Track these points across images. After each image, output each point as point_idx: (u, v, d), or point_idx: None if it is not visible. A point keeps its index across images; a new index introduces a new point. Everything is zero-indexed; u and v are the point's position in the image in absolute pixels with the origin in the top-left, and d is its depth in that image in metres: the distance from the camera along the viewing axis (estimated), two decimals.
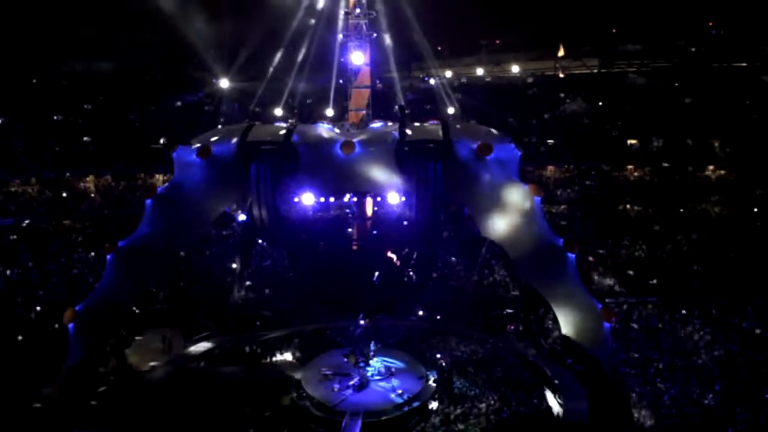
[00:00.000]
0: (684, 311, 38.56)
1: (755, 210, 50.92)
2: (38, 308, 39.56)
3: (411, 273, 33.66)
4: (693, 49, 63.48)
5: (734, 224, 49.95)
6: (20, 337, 35.23)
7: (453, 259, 45.68)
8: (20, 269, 44.90)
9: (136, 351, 34.11)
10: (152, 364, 33.21)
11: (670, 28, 62.90)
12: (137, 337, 34.97)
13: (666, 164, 54.54)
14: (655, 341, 35.62)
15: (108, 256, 29.64)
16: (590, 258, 45.82)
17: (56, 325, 30.12)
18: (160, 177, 54.41)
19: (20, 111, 56.24)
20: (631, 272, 44.75)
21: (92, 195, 54.58)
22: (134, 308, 32.76)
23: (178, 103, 61.01)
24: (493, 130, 32.19)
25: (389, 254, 33.45)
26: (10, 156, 53.02)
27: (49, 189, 53.44)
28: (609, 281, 43.63)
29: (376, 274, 33.04)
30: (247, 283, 41.54)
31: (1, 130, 55.21)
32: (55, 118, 57.74)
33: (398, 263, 33.22)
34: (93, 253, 46.82)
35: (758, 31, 60.53)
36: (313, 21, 41.44)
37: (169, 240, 30.51)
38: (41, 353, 31.77)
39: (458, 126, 31.65)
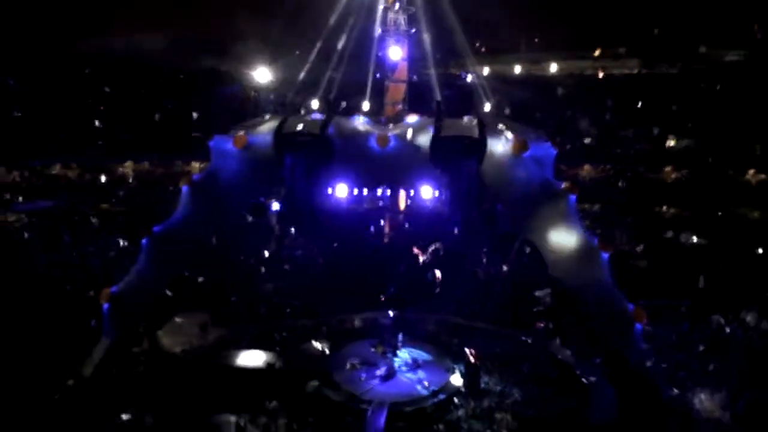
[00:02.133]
0: (718, 316, 37.95)
1: None
2: (75, 288, 40.39)
3: (437, 270, 33.65)
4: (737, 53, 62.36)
5: None
6: (58, 317, 35.93)
7: (484, 254, 45.51)
8: (60, 251, 45.91)
9: (169, 333, 34.75)
10: (183, 347, 33.71)
11: (712, 29, 61.85)
12: (170, 320, 35.71)
13: (705, 166, 53.71)
14: (687, 345, 35.15)
15: (143, 241, 30.26)
16: (624, 258, 45.33)
17: (92, 306, 30.67)
18: (196, 165, 55.13)
19: (63, 97, 57.35)
20: (664, 274, 44.16)
21: (130, 180, 55.56)
22: (167, 292, 33.38)
23: (219, 93, 61.65)
24: (529, 128, 32.07)
25: (415, 250, 33.52)
26: (53, 140, 54.15)
27: (89, 173, 54.47)
28: (643, 282, 43.09)
29: (401, 266, 33.20)
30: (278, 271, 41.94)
31: (44, 116, 56.36)
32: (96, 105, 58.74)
33: (423, 259, 33.26)
34: (129, 238, 47.62)
35: None
36: (352, 15, 41.61)
37: (203, 227, 31.02)
38: (77, 333, 32.47)
39: (494, 123, 31.56)
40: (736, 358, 33.66)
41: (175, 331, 34.82)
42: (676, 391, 30.65)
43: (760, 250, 45.97)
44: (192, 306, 38.21)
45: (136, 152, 55.01)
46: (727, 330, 36.83)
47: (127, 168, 55.67)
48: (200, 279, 39.35)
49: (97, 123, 56.52)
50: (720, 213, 51.39)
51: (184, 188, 30.53)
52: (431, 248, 32.74)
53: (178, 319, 35.92)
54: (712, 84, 58.91)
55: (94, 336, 29.92)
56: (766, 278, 42.42)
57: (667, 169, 54.81)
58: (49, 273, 42.88)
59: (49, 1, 58.96)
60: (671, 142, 56.43)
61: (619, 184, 53.55)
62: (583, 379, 31.33)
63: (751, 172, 53.85)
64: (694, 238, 48.51)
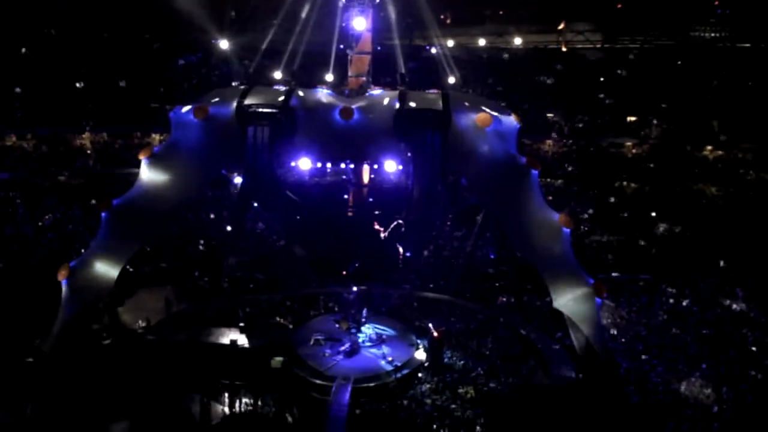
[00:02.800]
0: (675, 290, 38.80)
1: (750, 192, 51.04)
2: (32, 263, 39.58)
3: (398, 246, 33.66)
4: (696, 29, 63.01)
5: (729, 205, 50.09)
6: (14, 293, 35.20)
7: (448, 229, 45.72)
8: (15, 224, 44.84)
9: (129, 309, 34.31)
10: (145, 323, 33.30)
11: (675, 6, 62.35)
12: (130, 296, 35.23)
13: (665, 142, 54.48)
14: (645, 318, 35.88)
15: (102, 214, 29.63)
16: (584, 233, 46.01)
17: (50, 281, 30.04)
18: (156, 137, 54.06)
19: (18, 68, 55.64)
20: (624, 249, 44.92)
21: (88, 152, 54.26)
22: (128, 267, 32.84)
23: (178, 63, 60.40)
24: (493, 102, 32.01)
25: (376, 226, 33.43)
26: (7, 111, 52.60)
27: (45, 144, 53.10)
28: (602, 257, 43.81)
29: (364, 240, 33.14)
30: (241, 245, 41.59)
31: None
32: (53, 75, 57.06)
33: (384, 235, 33.20)
34: (87, 210, 46.68)
35: (764, 11, 60.05)
36: None
37: (163, 200, 30.41)
38: (35, 309, 31.84)
39: (458, 96, 31.43)
40: (693, 331, 34.52)
41: (136, 307, 34.37)
42: (634, 363, 31.40)
43: (717, 224, 46.91)
44: (154, 281, 37.80)
45: (95, 123, 53.68)
46: (684, 303, 37.71)
47: (85, 139, 54.34)
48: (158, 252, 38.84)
49: (54, 92, 54.91)
50: (678, 188, 52.28)
51: (144, 160, 29.90)
52: (393, 225, 32.66)
53: (139, 295, 35.46)
54: (673, 59, 59.56)
55: (53, 312, 29.27)
56: (722, 252, 43.48)
57: (628, 144, 55.45)
58: (6, 247, 41.91)
59: None
60: (632, 117, 57.04)
61: (580, 158, 54.08)
62: (545, 353, 31.84)
63: (709, 148, 54.80)
64: (653, 213, 49.30)
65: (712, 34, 63.22)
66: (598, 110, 57.36)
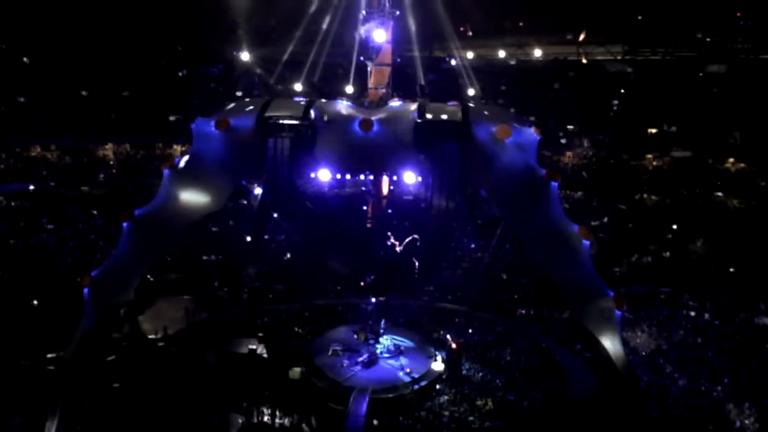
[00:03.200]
0: (696, 303, 38.41)
1: None
2: (54, 272, 40.04)
3: (414, 260, 33.64)
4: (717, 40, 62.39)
5: (751, 217, 49.53)
6: (36, 301, 35.62)
7: (467, 240, 45.64)
8: (38, 234, 45.44)
9: (149, 319, 34.52)
10: (164, 332, 33.52)
11: (696, 17, 61.86)
12: (150, 305, 35.46)
13: (685, 155, 54.06)
14: (666, 332, 35.52)
15: (124, 224, 29.92)
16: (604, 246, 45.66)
17: (72, 290, 30.38)
18: (178, 148, 54.63)
19: (43, 80, 56.55)
20: (645, 261, 44.56)
21: (111, 163, 54.95)
22: (149, 276, 33.12)
23: (199, 75, 61.06)
24: (513, 114, 31.99)
25: (392, 240, 33.45)
26: (32, 122, 53.44)
27: (68, 155, 53.85)
28: (623, 269, 43.47)
29: (382, 253, 33.13)
30: (260, 256, 41.79)
31: (24, 97, 55.55)
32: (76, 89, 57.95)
33: (399, 249, 33.20)
34: (109, 221, 47.18)
35: None
36: None
37: (184, 210, 30.70)
38: (56, 317, 32.19)
39: (478, 108, 31.45)
40: (715, 345, 34.11)
41: (156, 317, 34.60)
42: (655, 377, 31.08)
43: (739, 237, 46.41)
44: (174, 291, 38.05)
45: (117, 134, 54.43)
46: (706, 316, 37.30)
47: (108, 150, 55.12)
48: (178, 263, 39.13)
49: (77, 104, 55.82)
50: (700, 201, 51.86)
51: (166, 171, 30.21)
52: (407, 240, 32.67)
53: (159, 304, 35.69)
54: (695, 71, 59.18)
55: (74, 321, 29.57)
56: (745, 265, 42.96)
57: (649, 156, 55.14)
58: (29, 256, 42.45)
59: None
60: (653, 129, 56.76)
61: (601, 170, 53.90)
62: (564, 366, 31.60)
63: (731, 160, 54.32)
64: (675, 225, 48.90)
65: (737, 46, 62.58)
66: (618, 122, 57.03)
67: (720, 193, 52.71)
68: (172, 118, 54.61)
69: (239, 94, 55.21)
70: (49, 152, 53.67)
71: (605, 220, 49.25)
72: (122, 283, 30.37)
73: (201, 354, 31.39)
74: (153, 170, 50.33)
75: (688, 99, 56.25)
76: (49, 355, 29.69)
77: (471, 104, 31.37)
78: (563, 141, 56.47)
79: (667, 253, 45.91)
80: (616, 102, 58.67)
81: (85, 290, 29.24)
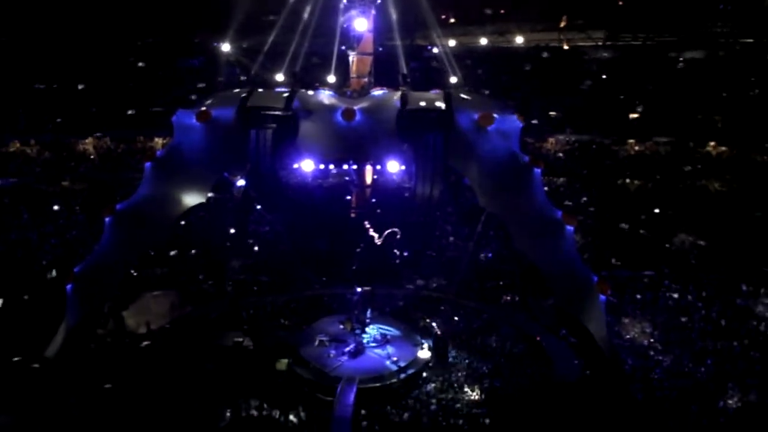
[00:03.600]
0: (679, 286, 38.76)
1: (755, 187, 50.92)
2: (36, 269, 39.69)
3: (395, 251, 33.64)
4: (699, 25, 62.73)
5: (733, 200, 50.01)
6: (19, 298, 35.30)
7: (451, 228, 45.73)
8: (19, 229, 44.99)
9: (134, 313, 34.35)
10: (149, 327, 33.36)
11: (677, 2, 62.16)
12: (135, 300, 35.28)
13: (667, 139, 54.45)
14: (650, 315, 35.84)
15: (106, 219, 29.67)
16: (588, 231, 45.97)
17: (54, 286, 30.16)
18: (159, 140, 54.23)
19: (20, 73, 55.88)
20: (627, 246, 44.87)
21: (91, 157, 54.46)
22: (132, 271, 32.91)
23: (180, 68, 60.58)
24: (495, 101, 32.00)
25: (371, 232, 33.44)
26: (10, 117, 52.82)
27: (48, 150, 53.31)
28: (606, 254, 43.74)
29: (357, 247, 33.13)
30: (244, 248, 41.69)
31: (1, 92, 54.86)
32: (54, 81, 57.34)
33: (379, 242, 33.22)
34: (91, 215, 46.78)
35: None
36: None
37: (167, 204, 30.49)
38: (40, 314, 31.93)
39: (460, 95, 31.42)
40: (698, 327, 34.49)
41: (140, 312, 34.43)
42: (639, 360, 31.38)
43: (721, 221, 46.83)
44: (158, 285, 37.86)
45: (97, 128, 53.94)
46: (689, 299, 37.66)
47: (88, 144, 54.59)
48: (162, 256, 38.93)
49: (56, 98, 55.23)
50: (681, 185, 52.27)
51: (147, 165, 29.98)
52: (387, 232, 32.65)
53: (143, 299, 35.52)
54: (675, 56, 59.54)
55: (58, 317, 29.34)
56: (727, 249, 43.38)
57: (631, 141, 55.46)
58: (9, 252, 42.04)
59: None
60: (634, 114, 57.08)
61: (584, 156, 54.19)
62: (550, 352, 31.82)
63: (712, 144, 54.78)
64: (657, 210, 49.29)
65: (716, 30, 62.87)
66: (600, 107, 57.26)
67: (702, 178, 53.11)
68: (156, 110, 54.08)
69: (221, 84, 54.93)
70: (29, 147, 53.06)
71: (588, 205, 49.46)
72: (106, 278, 30.12)
73: (186, 348, 31.34)
74: (134, 164, 49.95)
75: (669, 84, 56.53)
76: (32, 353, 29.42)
77: (453, 92, 31.31)
78: (546, 127, 56.53)
79: (650, 237, 46.19)
80: (597, 87, 58.77)
81: (68, 287, 29.02)
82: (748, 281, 38.73)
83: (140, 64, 59.87)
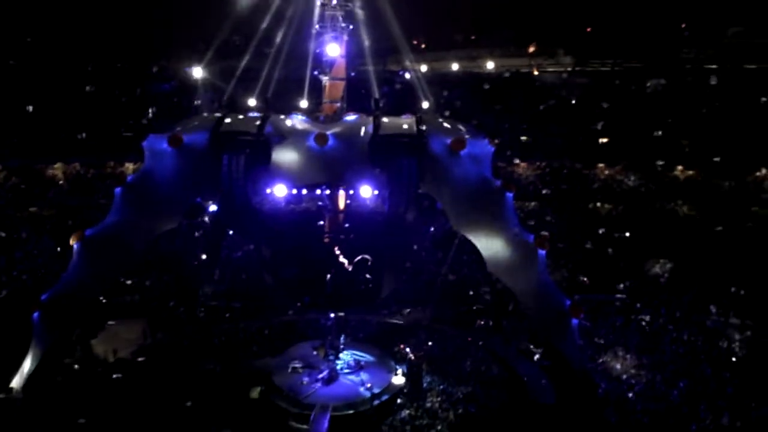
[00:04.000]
0: (650, 309, 39.07)
1: (721, 210, 51.83)
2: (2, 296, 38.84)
3: (367, 277, 33.62)
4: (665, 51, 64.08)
5: (701, 224, 50.79)
6: None
7: (424, 253, 45.71)
8: None
9: (102, 342, 33.74)
10: (118, 355, 32.75)
11: (643, 28, 63.51)
12: (103, 328, 34.67)
13: (636, 162, 55.35)
14: (622, 338, 36.03)
15: (75, 245, 29.22)
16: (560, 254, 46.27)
17: (21, 314, 29.48)
18: (130, 165, 53.75)
19: None
20: (599, 269, 45.23)
21: (60, 182, 53.76)
22: (101, 298, 32.36)
23: (151, 92, 60.28)
24: (467, 126, 32.29)
25: (341, 258, 33.43)
26: None
27: (15, 176, 52.53)
28: (578, 278, 44.05)
29: (330, 272, 33.04)
30: (217, 274, 41.28)
31: None
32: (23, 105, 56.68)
33: (349, 268, 33.20)
34: (59, 242, 46.04)
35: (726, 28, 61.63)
36: (289, 11, 41.20)
37: (138, 229, 30.17)
38: (5, 343, 31.18)
39: (432, 120, 31.67)
40: (669, 350, 34.72)
41: (109, 340, 33.82)
42: (612, 383, 31.46)
43: (690, 243, 47.49)
44: (128, 312, 37.27)
45: (66, 153, 53.32)
46: (660, 321, 37.95)
47: (57, 170, 53.90)
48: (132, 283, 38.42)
49: (24, 123, 54.57)
50: (650, 208, 53.02)
51: (117, 190, 29.67)
52: (358, 258, 32.64)
53: (112, 327, 34.92)
54: (643, 81, 60.71)
55: (23, 346, 28.68)
56: (696, 272, 43.92)
57: (601, 165, 56.26)
58: None
59: None
60: (604, 139, 57.99)
61: (555, 180, 54.83)
62: (523, 376, 31.82)
63: (680, 168, 55.75)
64: (627, 234, 49.87)
65: (683, 56, 64.28)
66: (571, 132, 58.02)
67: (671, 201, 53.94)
68: (126, 135, 53.73)
69: (192, 109, 54.72)
70: None
71: (560, 229, 49.86)
72: (74, 305, 29.58)
73: (157, 376, 30.79)
74: (104, 189, 49.34)
75: (637, 109, 57.55)
76: None
77: (425, 117, 31.54)
78: (516, 152, 57.10)
79: (621, 260, 46.63)
80: (566, 112, 59.60)
81: (35, 314, 28.42)
82: (718, 303, 39.17)
83: (111, 88, 59.28)
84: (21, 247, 45.95)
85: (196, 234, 46.64)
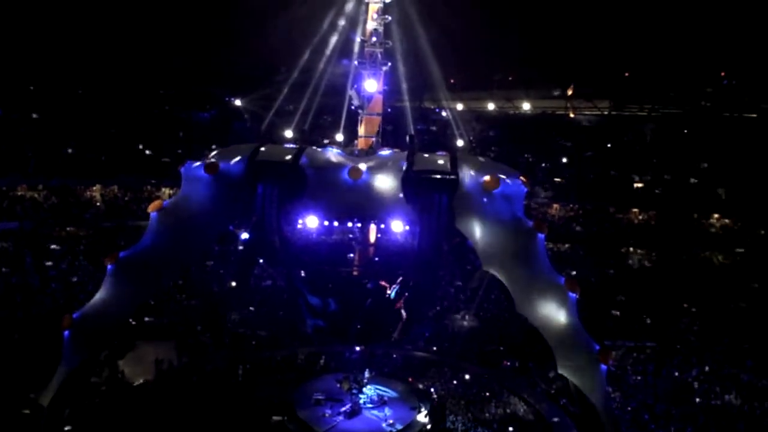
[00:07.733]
0: (681, 358, 38.30)
1: (757, 260, 50.84)
2: (36, 313, 39.46)
3: (403, 308, 33.45)
4: (704, 98, 63.67)
5: (736, 274, 49.85)
6: (16, 343, 35.00)
7: (453, 290, 45.54)
8: (22, 273, 44.92)
9: (130, 363, 34.00)
10: (144, 377, 32.97)
11: (682, 75, 63.26)
12: (131, 349, 34.95)
13: (670, 209, 54.72)
14: (651, 386, 35.31)
15: (108, 267, 29.63)
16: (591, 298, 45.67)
17: (52, 332, 29.89)
18: (166, 191, 54.68)
19: (32, 116, 56.80)
20: (629, 315, 44.53)
21: (98, 204, 54.79)
22: (130, 320, 32.69)
23: (191, 120, 61.56)
24: (501, 165, 32.28)
25: (382, 283, 33.29)
26: (20, 161, 53.40)
27: (55, 195, 53.67)
28: (607, 322, 43.40)
29: (368, 301, 32.88)
30: (245, 302, 41.54)
31: (12, 135, 55.60)
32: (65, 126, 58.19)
33: (390, 293, 33.03)
34: (94, 262, 46.78)
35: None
36: (329, 46, 41.84)
37: (170, 254, 30.47)
38: (36, 359, 31.60)
39: (466, 158, 31.71)
40: (701, 400, 33.92)
41: (136, 361, 34.07)
42: None
43: (725, 293, 46.60)
44: (155, 335, 37.57)
45: (105, 176, 54.44)
46: (693, 372, 37.15)
47: (95, 191, 55.01)
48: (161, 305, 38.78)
49: (66, 145, 55.96)
50: (685, 256, 52.20)
51: (153, 214, 30.09)
52: (398, 281, 32.52)
53: (140, 349, 35.19)
54: (681, 127, 60.25)
55: (53, 363, 29.01)
56: (729, 321, 43.03)
57: (635, 210, 55.71)
58: (10, 297, 41.85)
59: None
60: (639, 184, 57.52)
61: (587, 223, 54.40)
62: (549, 420, 31.27)
63: (716, 216, 54.96)
64: (660, 280, 49.10)
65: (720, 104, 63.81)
66: (606, 175, 57.76)
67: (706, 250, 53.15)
68: (164, 160, 54.77)
69: (230, 138, 55.61)
70: (36, 192, 53.44)
71: (592, 273, 49.33)
72: (104, 325, 29.88)
73: (181, 400, 30.89)
74: (140, 212, 50.13)
75: (674, 154, 57.15)
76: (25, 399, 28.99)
77: (459, 154, 31.60)
78: (550, 193, 56.90)
79: (653, 308, 45.88)
80: (601, 155, 59.43)
81: (65, 333, 28.79)
82: (753, 356, 38.24)
83: (153, 114, 60.67)
84: (56, 266, 46.81)
85: (227, 261, 47.16)
